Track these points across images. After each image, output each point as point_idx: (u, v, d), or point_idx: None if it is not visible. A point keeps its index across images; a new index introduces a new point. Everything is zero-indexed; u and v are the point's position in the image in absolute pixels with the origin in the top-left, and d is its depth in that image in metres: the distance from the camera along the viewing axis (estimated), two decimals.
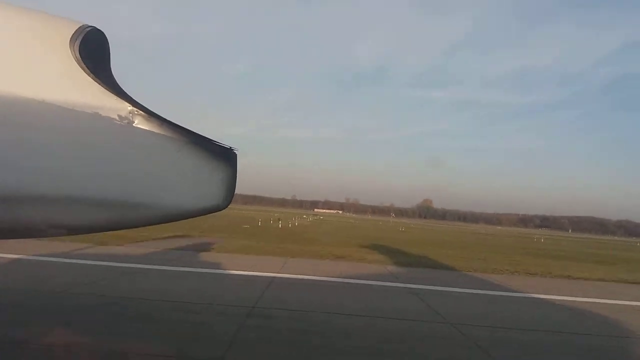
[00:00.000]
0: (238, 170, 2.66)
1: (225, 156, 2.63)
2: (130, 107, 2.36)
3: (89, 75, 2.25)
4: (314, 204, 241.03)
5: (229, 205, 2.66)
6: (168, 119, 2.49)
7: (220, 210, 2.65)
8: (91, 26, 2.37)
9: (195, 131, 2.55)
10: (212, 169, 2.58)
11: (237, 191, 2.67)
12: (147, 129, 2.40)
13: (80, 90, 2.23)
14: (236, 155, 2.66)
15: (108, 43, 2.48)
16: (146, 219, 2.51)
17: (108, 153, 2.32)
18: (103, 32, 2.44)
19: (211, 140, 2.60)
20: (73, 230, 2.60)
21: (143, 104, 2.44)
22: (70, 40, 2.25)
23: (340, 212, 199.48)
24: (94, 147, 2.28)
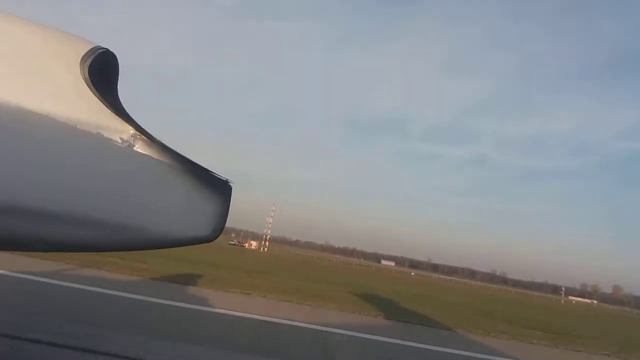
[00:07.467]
0: (231, 203, 2.56)
1: (221, 188, 2.56)
2: (133, 131, 2.46)
3: (95, 95, 2.34)
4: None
5: (217, 237, 2.56)
6: (170, 146, 2.56)
7: (208, 242, 2.56)
8: (104, 48, 2.48)
9: (194, 161, 2.56)
10: (205, 200, 2.52)
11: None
12: (146, 153, 2.46)
13: (84, 109, 2.33)
14: (231, 188, 2.57)
15: (118, 66, 2.58)
16: (132, 243, 2.50)
17: (104, 173, 2.38)
18: (115, 55, 2.54)
19: (209, 171, 2.56)
20: (56, 247, 2.65)
21: (148, 130, 2.55)
22: (81, 60, 2.35)
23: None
24: (90, 166, 2.35)
